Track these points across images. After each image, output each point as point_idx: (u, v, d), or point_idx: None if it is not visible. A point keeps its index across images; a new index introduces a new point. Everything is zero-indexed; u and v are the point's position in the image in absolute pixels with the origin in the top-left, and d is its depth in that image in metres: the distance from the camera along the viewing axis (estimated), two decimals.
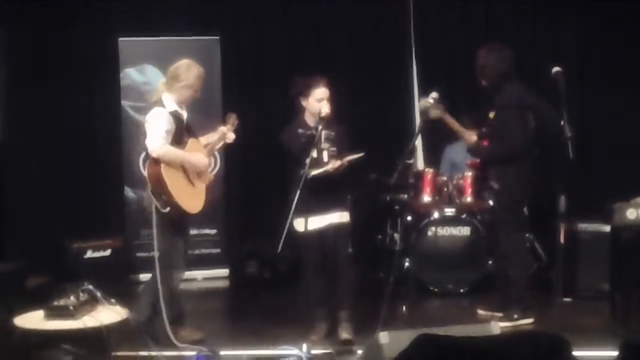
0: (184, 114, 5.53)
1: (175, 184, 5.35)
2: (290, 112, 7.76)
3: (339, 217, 5.57)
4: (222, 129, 5.70)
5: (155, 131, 5.33)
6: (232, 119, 5.73)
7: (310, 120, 5.61)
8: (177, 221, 5.48)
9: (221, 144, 5.78)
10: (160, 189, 5.31)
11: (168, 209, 5.32)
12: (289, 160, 5.63)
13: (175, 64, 5.54)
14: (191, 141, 5.55)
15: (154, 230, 5.35)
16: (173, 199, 5.31)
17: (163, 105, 5.41)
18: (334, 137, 5.57)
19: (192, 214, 5.50)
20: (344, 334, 5.51)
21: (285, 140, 5.62)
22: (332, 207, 5.53)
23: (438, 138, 7.92)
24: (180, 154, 5.39)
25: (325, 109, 5.49)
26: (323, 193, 5.41)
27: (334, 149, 5.54)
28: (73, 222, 7.62)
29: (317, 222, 5.49)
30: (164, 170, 5.29)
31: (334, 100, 5.60)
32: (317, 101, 5.53)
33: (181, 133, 5.46)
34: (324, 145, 5.53)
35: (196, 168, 5.49)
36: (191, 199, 5.47)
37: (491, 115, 6.04)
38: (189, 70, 5.45)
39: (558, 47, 8.07)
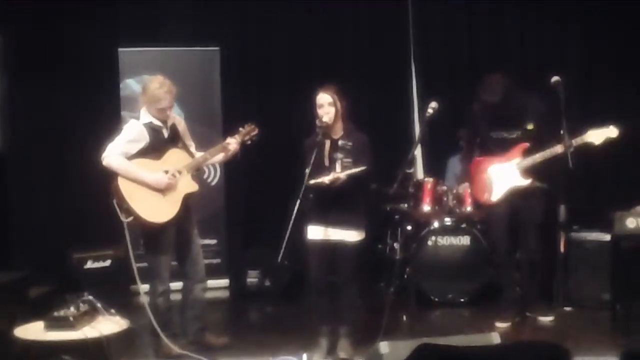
0: (166, 125, 5.54)
1: (134, 193, 5.36)
2: (291, 122, 7.84)
3: (350, 235, 5.40)
4: (228, 140, 5.70)
5: (114, 141, 5.41)
6: (246, 130, 5.70)
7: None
8: (154, 232, 5.47)
9: (221, 155, 5.76)
10: (119, 199, 5.35)
11: (130, 218, 5.34)
12: (289, 169, 5.59)
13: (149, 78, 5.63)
14: (171, 152, 5.54)
15: (129, 243, 5.38)
16: (132, 209, 5.33)
17: (138, 118, 5.52)
18: (350, 148, 5.34)
19: (161, 222, 5.42)
20: (342, 354, 5.45)
21: (304, 149, 5.46)
22: (346, 224, 5.37)
23: (439, 148, 7.94)
24: (127, 168, 5.36)
25: (325, 118, 5.32)
26: (337, 206, 5.30)
27: (349, 160, 5.29)
28: (74, 232, 7.62)
29: (330, 234, 5.39)
30: (121, 181, 5.35)
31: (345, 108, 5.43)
32: (317, 107, 5.39)
33: (158, 144, 5.48)
34: (338, 155, 5.32)
35: (148, 186, 5.40)
36: (156, 207, 5.41)
37: (530, 126, 6.08)
38: (153, 85, 5.45)
39: (561, 53, 8.08)
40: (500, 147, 6.20)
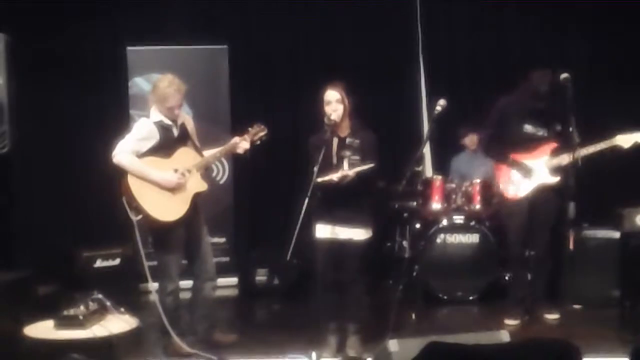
0: (176, 124, 5.54)
1: (144, 191, 5.36)
2: (298, 120, 7.86)
3: (357, 233, 5.39)
4: (236, 138, 5.70)
5: (125, 139, 5.41)
6: (255, 130, 5.69)
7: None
8: (164, 231, 5.47)
9: (228, 153, 5.77)
10: (129, 197, 5.35)
11: (140, 217, 5.35)
12: (297, 168, 5.58)
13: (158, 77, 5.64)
14: (181, 151, 5.54)
15: (139, 242, 5.39)
16: (142, 207, 5.33)
17: (148, 116, 5.52)
18: (357, 145, 5.34)
19: (170, 221, 5.43)
20: (351, 351, 5.45)
21: (308, 146, 5.47)
22: (353, 222, 5.37)
23: (447, 146, 7.93)
24: (137, 167, 5.36)
25: (334, 115, 5.30)
26: (345, 204, 5.29)
27: (357, 157, 5.29)
28: (82, 230, 7.64)
29: (338, 232, 5.38)
30: (131, 179, 5.35)
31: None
32: (325, 104, 5.37)
33: (168, 143, 5.48)
34: (345, 153, 5.32)
35: (158, 185, 5.40)
36: (166, 206, 5.41)
37: (559, 127, 6.12)
38: (162, 84, 5.45)
39: (566, 51, 8.06)
40: (527, 144, 6.17)
